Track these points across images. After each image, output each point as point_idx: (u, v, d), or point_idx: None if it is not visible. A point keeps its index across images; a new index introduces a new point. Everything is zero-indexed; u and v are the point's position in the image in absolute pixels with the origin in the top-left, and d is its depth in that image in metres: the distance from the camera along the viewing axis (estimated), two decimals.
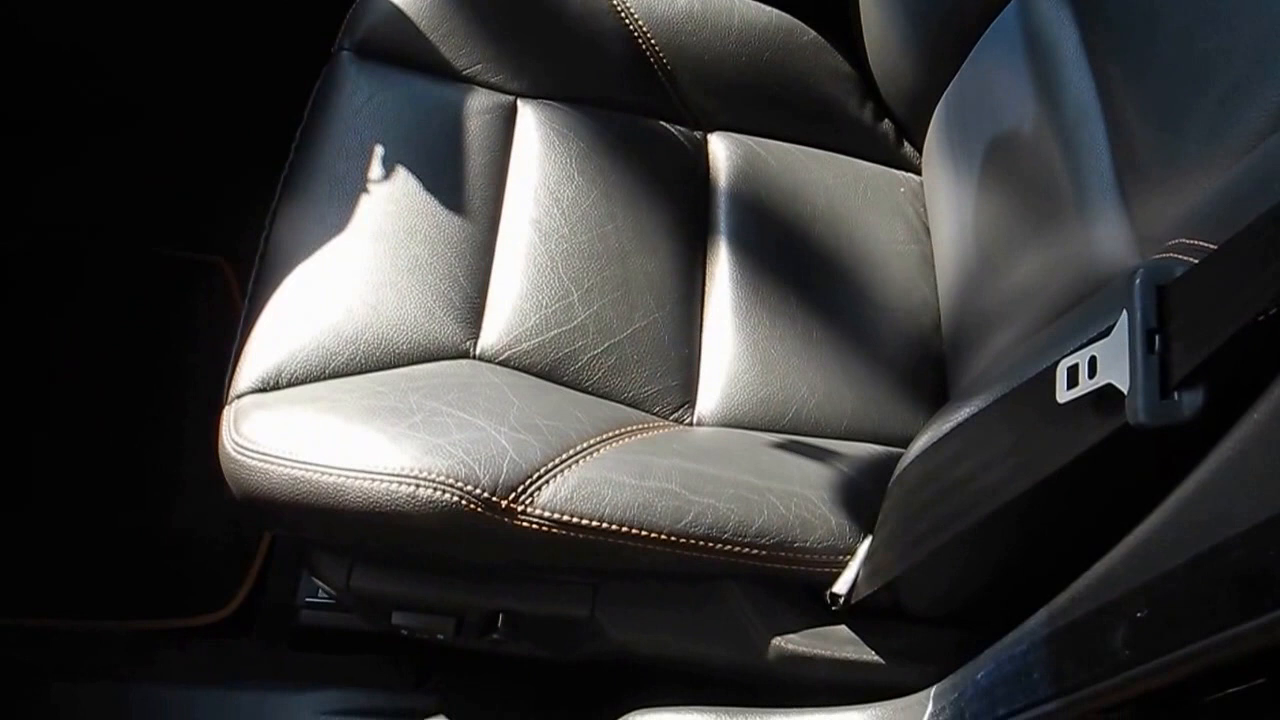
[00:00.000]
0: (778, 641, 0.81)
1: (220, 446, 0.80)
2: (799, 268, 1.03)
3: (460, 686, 1.07)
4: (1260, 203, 0.49)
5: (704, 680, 0.87)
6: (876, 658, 0.81)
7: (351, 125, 0.98)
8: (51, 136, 1.41)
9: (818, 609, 0.82)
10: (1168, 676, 0.52)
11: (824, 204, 1.08)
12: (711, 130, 1.11)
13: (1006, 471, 0.63)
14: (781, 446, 0.89)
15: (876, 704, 0.78)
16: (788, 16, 1.14)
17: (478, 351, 0.90)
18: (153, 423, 1.25)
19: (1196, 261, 0.52)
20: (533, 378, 0.90)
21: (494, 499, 0.75)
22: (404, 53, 1.04)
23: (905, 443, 0.79)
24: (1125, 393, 0.51)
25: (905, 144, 1.17)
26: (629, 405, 0.92)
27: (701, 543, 0.78)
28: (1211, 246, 0.52)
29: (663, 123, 1.09)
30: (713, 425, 0.94)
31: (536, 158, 1.01)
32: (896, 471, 0.78)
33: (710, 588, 0.82)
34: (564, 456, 0.79)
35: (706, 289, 1.00)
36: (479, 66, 1.05)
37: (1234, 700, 0.57)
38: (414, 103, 1.01)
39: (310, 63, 1.05)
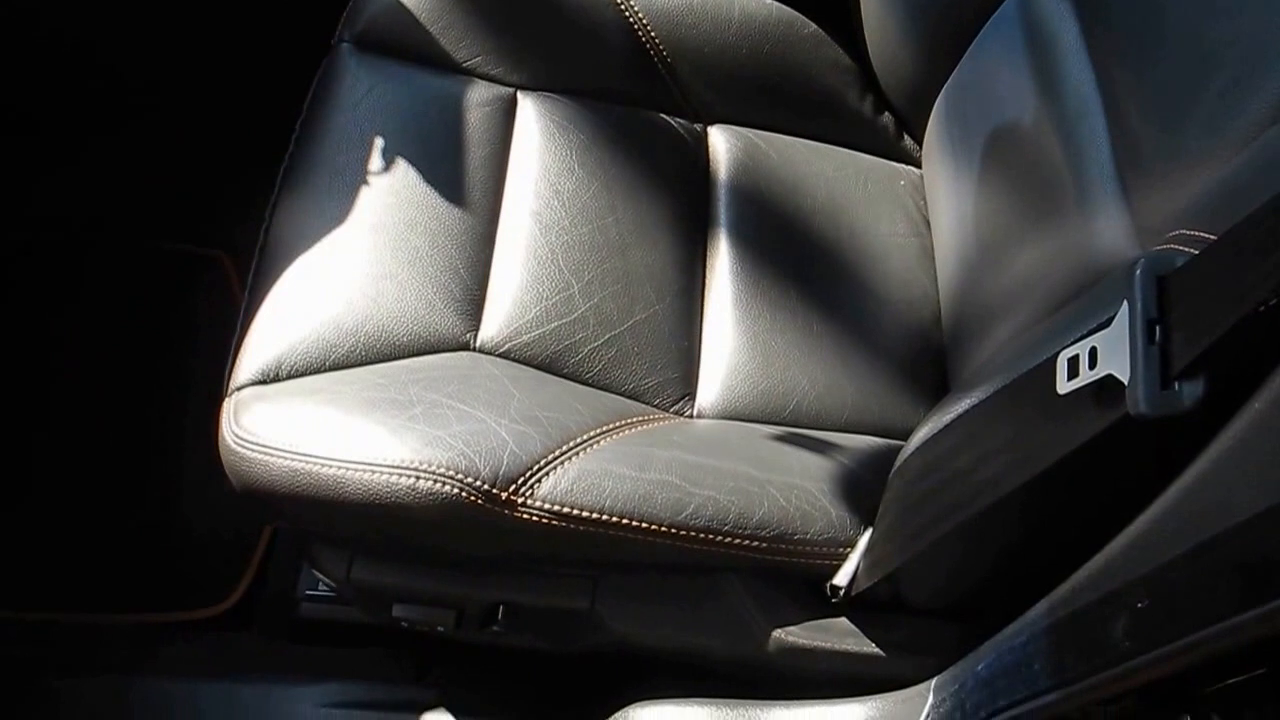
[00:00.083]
0: (778, 634, 0.81)
1: (220, 439, 0.80)
2: (799, 260, 1.03)
3: (461, 679, 1.07)
4: (1260, 193, 0.49)
5: (704, 673, 0.87)
6: (877, 650, 0.81)
7: (351, 118, 0.97)
8: (51, 133, 1.40)
9: (818, 601, 0.82)
10: (1168, 667, 0.52)
11: (824, 196, 1.08)
12: (712, 123, 1.11)
13: (1007, 463, 0.63)
14: (782, 439, 0.89)
15: (877, 696, 0.78)
16: (788, 9, 1.14)
17: (478, 343, 0.90)
18: (153, 416, 1.25)
19: (1197, 252, 0.52)
20: (533, 370, 0.90)
21: (494, 491, 0.75)
22: (404, 45, 1.04)
23: (905, 435, 0.79)
24: (1126, 383, 0.51)
25: (905, 137, 1.17)
26: (629, 397, 0.92)
27: (702, 535, 0.78)
28: (1212, 237, 0.52)
29: (663, 115, 1.09)
30: (713, 417, 0.94)
31: (537, 150, 1.01)
32: (897, 463, 0.78)
33: (710, 580, 0.82)
34: (564, 448, 0.79)
35: (707, 281, 1.00)
36: (479, 59, 1.05)
37: (1234, 690, 0.57)
38: (414, 95, 1.01)
39: (310, 55, 1.05)
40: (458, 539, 0.79)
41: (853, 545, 0.80)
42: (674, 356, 0.95)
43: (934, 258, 1.06)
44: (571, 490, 0.77)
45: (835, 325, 0.99)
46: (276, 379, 0.83)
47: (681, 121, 1.09)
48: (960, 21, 0.99)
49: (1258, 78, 0.64)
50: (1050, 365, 0.58)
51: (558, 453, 0.78)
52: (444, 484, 0.74)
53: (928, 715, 0.73)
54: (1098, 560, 0.58)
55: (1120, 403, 0.51)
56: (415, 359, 0.87)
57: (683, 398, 0.94)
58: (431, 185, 0.95)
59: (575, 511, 0.76)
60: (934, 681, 0.75)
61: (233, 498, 0.80)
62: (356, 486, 0.75)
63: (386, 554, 0.84)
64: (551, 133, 1.02)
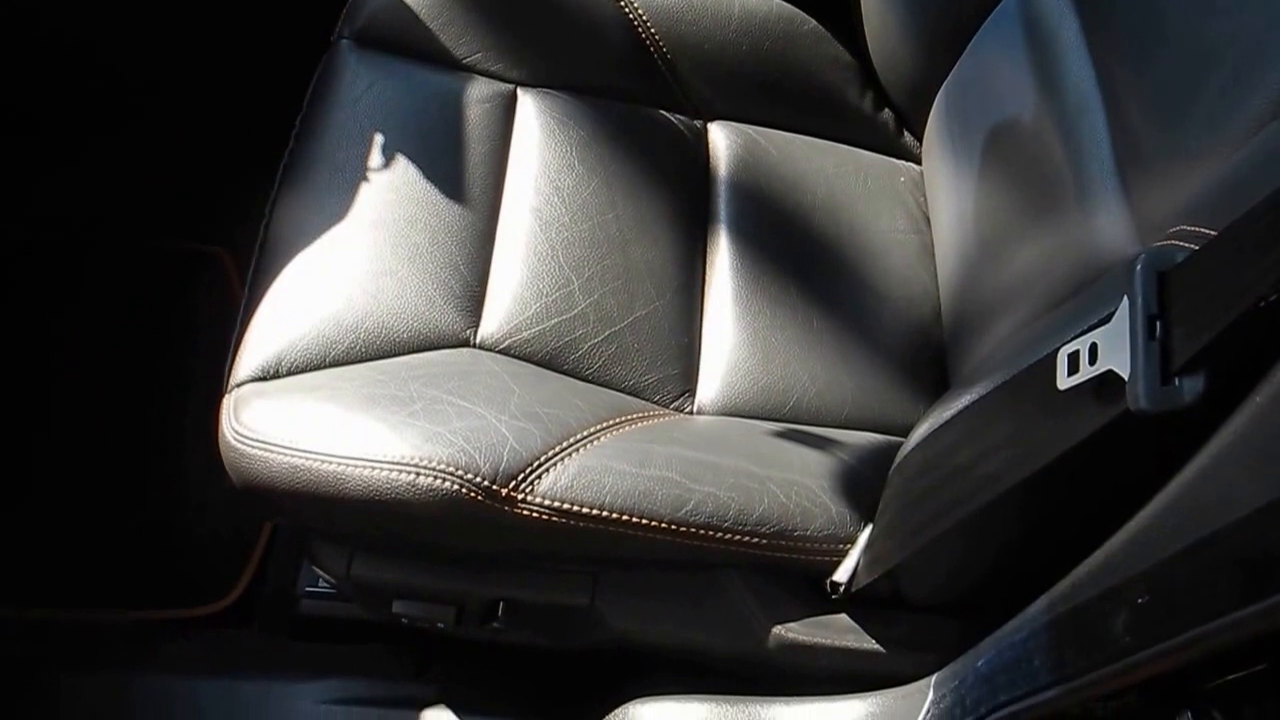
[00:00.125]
0: (778, 630, 0.81)
1: (220, 435, 0.80)
2: (799, 257, 1.03)
3: (461, 676, 1.07)
4: (1261, 189, 0.49)
5: (705, 669, 0.87)
6: (877, 646, 0.81)
7: (351, 114, 0.97)
8: (51, 133, 1.40)
9: (818, 598, 0.82)
10: (1169, 662, 0.52)
11: (824, 193, 1.08)
12: (711, 119, 1.11)
13: (1007, 459, 0.63)
14: (782, 435, 0.89)
15: (877, 692, 0.78)
16: (788, 5, 1.14)
17: (478, 340, 0.90)
18: (153, 415, 1.25)
19: (1197, 248, 0.52)
20: (533, 366, 0.90)
21: (494, 487, 0.75)
22: (404, 41, 1.04)
23: (906, 431, 0.79)
24: (1126, 379, 0.51)
25: (905, 133, 1.16)
26: (629, 394, 0.92)
27: (702, 531, 0.78)
28: (1212, 233, 0.52)
29: (663, 111, 1.09)
30: (713, 414, 0.94)
31: (536, 146, 1.01)
32: (897, 459, 0.78)
33: (710, 576, 0.82)
34: (564, 445, 0.79)
35: (707, 278, 1.00)
36: (479, 55, 1.05)
37: (1235, 686, 0.57)
38: (414, 91, 1.01)
39: (310, 52, 1.05)
40: (458, 535, 0.79)
41: (853, 541, 0.80)
42: (674, 353, 0.95)
43: (934, 254, 1.06)
44: (571, 486, 0.77)
45: (835, 322, 0.99)
46: (277, 375, 0.83)
47: (681, 118, 1.09)
48: (960, 18, 0.99)
49: (1258, 74, 0.64)
50: (1050, 361, 0.58)
51: (558, 449, 0.78)
52: (444, 480, 0.74)
53: (928, 711, 0.73)
54: (1098, 556, 0.58)
55: (1120, 398, 0.51)
56: (415, 355, 0.87)
57: (683, 394, 0.94)
58: (431, 182, 0.95)
59: (575, 508, 0.76)
60: (934, 678, 0.75)
61: (233, 495, 0.80)
62: (356, 483, 0.75)
63: (386, 550, 0.84)
64: (551, 129, 1.02)
